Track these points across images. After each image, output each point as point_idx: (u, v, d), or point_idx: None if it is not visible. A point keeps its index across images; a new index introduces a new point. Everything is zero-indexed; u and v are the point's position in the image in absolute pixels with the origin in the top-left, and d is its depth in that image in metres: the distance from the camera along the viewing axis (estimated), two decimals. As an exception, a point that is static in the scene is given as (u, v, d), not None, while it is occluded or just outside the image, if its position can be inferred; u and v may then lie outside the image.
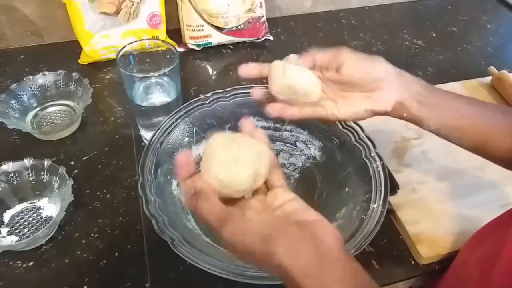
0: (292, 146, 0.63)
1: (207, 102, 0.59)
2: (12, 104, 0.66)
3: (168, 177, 0.54)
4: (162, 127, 0.56)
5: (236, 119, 0.61)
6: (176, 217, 0.50)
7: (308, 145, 0.62)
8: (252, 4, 0.83)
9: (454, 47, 0.91)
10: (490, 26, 0.99)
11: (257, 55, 0.87)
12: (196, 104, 0.59)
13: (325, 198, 0.57)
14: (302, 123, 0.61)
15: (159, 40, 0.66)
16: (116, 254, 0.54)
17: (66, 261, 0.53)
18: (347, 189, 0.55)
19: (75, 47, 0.82)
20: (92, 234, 0.56)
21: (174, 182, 0.55)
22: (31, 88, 0.69)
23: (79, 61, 0.81)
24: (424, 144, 0.67)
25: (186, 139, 0.58)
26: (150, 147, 0.53)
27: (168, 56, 0.61)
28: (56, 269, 0.52)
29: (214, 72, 0.84)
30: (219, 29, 0.83)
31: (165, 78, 0.61)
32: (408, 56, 0.88)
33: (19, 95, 0.68)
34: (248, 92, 0.61)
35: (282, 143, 0.63)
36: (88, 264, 0.53)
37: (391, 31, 0.95)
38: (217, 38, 0.85)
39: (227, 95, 0.60)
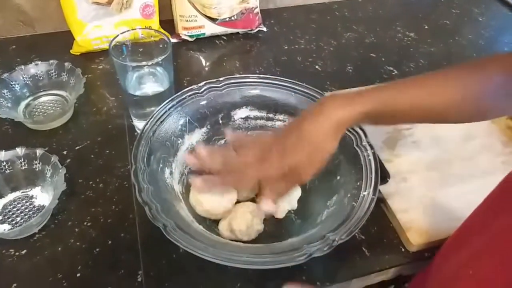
0: None
1: (200, 91, 0.59)
2: (4, 93, 0.66)
3: (161, 165, 0.54)
4: (155, 115, 0.56)
5: (229, 109, 0.62)
6: (169, 205, 0.50)
7: None
8: (245, -5, 0.83)
9: (446, 40, 0.91)
10: (482, 19, 1.00)
11: (250, 46, 0.87)
12: (189, 94, 0.59)
13: (317, 185, 0.58)
14: (295, 113, 0.62)
15: (152, 29, 0.65)
16: (109, 242, 0.54)
17: (59, 249, 0.53)
18: (338, 177, 0.56)
19: (67, 37, 0.82)
20: (85, 223, 0.56)
21: (167, 170, 0.55)
22: (23, 77, 0.69)
23: (71, 51, 0.80)
24: (415, 134, 0.67)
25: (179, 127, 0.58)
26: (143, 136, 0.54)
27: (161, 46, 0.61)
28: (49, 257, 0.53)
29: (207, 63, 0.84)
30: (213, 20, 0.83)
31: (158, 68, 0.61)
32: (401, 48, 0.88)
33: (11, 84, 0.67)
34: (242, 82, 0.62)
35: None
36: (81, 252, 0.53)
37: (384, 23, 0.95)
38: (210, 29, 0.85)
39: (220, 84, 0.60)
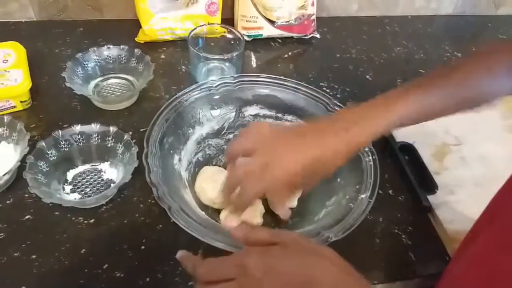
0: None
1: (214, 85, 0.62)
2: (77, 71, 0.70)
3: (171, 151, 0.57)
4: (169, 105, 0.59)
5: (240, 105, 0.64)
6: (175, 189, 0.53)
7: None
8: (305, 2, 0.87)
9: (493, 63, 0.94)
10: (528, 47, 1.01)
11: (304, 51, 0.90)
12: (204, 87, 0.61)
13: (318, 187, 0.59)
14: (303, 115, 0.64)
15: (226, 27, 0.69)
16: (171, 220, 0.57)
17: (125, 221, 0.57)
18: (339, 180, 0.58)
19: (131, 25, 0.86)
20: (149, 200, 0.59)
21: (176, 157, 0.58)
22: (95, 58, 0.73)
23: (136, 39, 0.84)
24: (463, 150, 0.70)
25: (191, 118, 0.61)
26: (156, 122, 0.57)
27: (232, 43, 0.65)
28: (116, 228, 0.56)
29: (261, 63, 0.87)
30: (272, 22, 0.87)
31: (227, 63, 0.65)
32: (448, 67, 0.91)
33: (84, 63, 0.71)
34: (254, 81, 0.64)
35: None
36: (146, 227, 0.56)
37: (433, 41, 0.98)
38: (268, 31, 0.88)
39: (234, 81, 0.63)
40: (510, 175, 0.45)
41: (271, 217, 0.59)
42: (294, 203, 0.59)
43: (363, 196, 0.52)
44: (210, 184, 0.57)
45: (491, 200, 0.48)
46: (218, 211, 0.58)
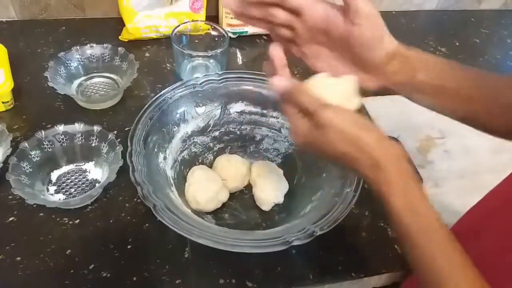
0: (277, 132, 0.65)
1: (199, 83, 0.61)
2: (59, 70, 0.69)
3: (156, 149, 0.57)
4: (153, 102, 0.58)
5: (226, 102, 0.63)
6: (160, 187, 0.52)
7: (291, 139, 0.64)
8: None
9: (476, 57, 0.95)
10: (510, 41, 1.03)
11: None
12: (189, 84, 0.60)
13: (304, 182, 0.61)
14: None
15: (211, 23, 0.68)
16: (158, 219, 0.57)
17: (111, 221, 0.56)
18: (324, 175, 0.58)
19: (115, 23, 0.86)
20: (135, 199, 0.59)
21: (161, 155, 0.58)
22: (78, 58, 0.72)
23: (120, 37, 0.84)
24: (447, 144, 0.71)
25: (177, 116, 0.60)
26: (140, 120, 0.56)
27: (216, 40, 0.65)
28: (101, 228, 0.56)
29: (245, 60, 0.87)
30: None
31: (211, 60, 0.65)
32: (432, 61, 0.92)
33: (67, 63, 0.71)
34: (239, 77, 0.63)
35: (267, 129, 0.65)
36: (132, 226, 0.56)
37: (417, 36, 0.99)
38: (253, 28, 0.87)
39: (219, 78, 0.62)
40: (493, 188, 0.45)
41: (257, 212, 0.60)
42: (281, 199, 0.60)
43: (347, 190, 0.52)
44: (204, 195, 0.57)
45: (474, 209, 0.48)
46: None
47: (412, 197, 0.38)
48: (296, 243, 0.46)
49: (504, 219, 0.43)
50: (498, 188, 0.48)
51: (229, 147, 0.65)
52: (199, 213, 0.57)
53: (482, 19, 1.09)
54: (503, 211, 0.44)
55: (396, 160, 0.39)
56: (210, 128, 0.63)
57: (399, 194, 0.37)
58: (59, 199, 0.58)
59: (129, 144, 0.53)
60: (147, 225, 0.56)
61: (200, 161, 0.63)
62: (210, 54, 0.59)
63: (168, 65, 0.79)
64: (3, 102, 0.66)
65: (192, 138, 0.62)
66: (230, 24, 0.87)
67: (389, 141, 0.40)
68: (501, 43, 1.02)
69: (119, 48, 0.73)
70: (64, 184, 0.60)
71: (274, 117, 0.65)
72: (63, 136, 0.60)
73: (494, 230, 0.45)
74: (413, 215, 0.37)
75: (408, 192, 0.38)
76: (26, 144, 0.57)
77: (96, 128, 0.60)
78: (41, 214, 0.56)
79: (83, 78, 0.73)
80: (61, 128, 0.59)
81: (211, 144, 0.64)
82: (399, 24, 1.02)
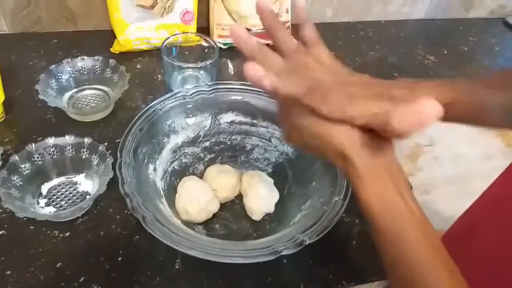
0: (267, 141, 0.66)
1: (188, 94, 0.61)
2: (50, 83, 0.70)
3: (146, 161, 0.57)
4: (143, 114, 0.58)
5: (216, 113, 0.64)
6: (149, 199, 0.52)
7: (282, 142, 0.65)
8: (279, 9, 0.88)
9: (464, 65, 0.96)
10: (498, 49, 1.05)
11: (280, 58, 0.91)
12: (179, 95, 0.61)
13: (294, 191, 0.61)
14: (278, 120, 0.64)
15: (201, 35, 0.69)
16: (148, 231, 0.57)
17: (101, 233, 0.56)
18: (314, 183, 0.58)
19: (106, 36, 0.86)
20: (125, 211, 0.59)
21: (151, 166, 0.58)
22: (69, 70, 0.72)
23: (111, 49, 0.84)
24: (436, 151, 0.72)
25: (166, 127, 0.60)
26: (130, 131, 0.56)
27: (206, 51, 0.65)
28: (92, 241, 0.55)
29: (236, 71, 0.88)
30: (247, 30, 0.87)
31: (201, 71, 0.65)
32: (422, 69, 0.93)
33: (58, 75, 0.71)
34: (229, 88, 0.63)
35: (258, 139, 0.66)
36: (123, 238, 0.56)
37: (406, 45, 1.00)
38: (244, 39, 0.89)
39: (208, 89, 0.62)
40: (487, 188, 0.45)
41: (248, 222, 0.60)
42: (271, 208, 0.60)
43: (336, 198, 0.52)
44: (194, 206, 0.57)
45: (469, 211, 0.48)
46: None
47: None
48: (285, 252, 0.46)
49: (497, 219, 0.44)
50: (489, 190, 0.48)
51: (219, 157, 0.66)
52: (189, 224, 0.57)
53: (470, 28, 1.11)
54: (494, 212, 0.45)
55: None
56: (200, 139, 0.63)
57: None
58: (50, 212, 0.58)
59: (118, 155, 0.53)
60: (137, 237, 0.56)
61: (190, 171, 0.64)
62: (200, 66, 0.59)
63: (159, 76, 0.80)
64: (-7, 116, 0.66)
65: (182, 149, 0.62)
66: (221, 35, 0.88)
67: None
68: (489, 51, 1.04)
69: (110, 60, 0.74)
70: (55, 197, 0.59)
71: (264, 127, 0.65)
72: (53, 149, 0.60)
73: (487, 232, 0.45)
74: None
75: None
76: (17, 157, 0.57)
77: (87, 140, 0.60)
78: (32, 227, 0.56)
79: (74, 90, 0.73)
80: (51, 140, 0.59)
81: (201, 155, 0.64)
82: (389, 33, 1.04)
